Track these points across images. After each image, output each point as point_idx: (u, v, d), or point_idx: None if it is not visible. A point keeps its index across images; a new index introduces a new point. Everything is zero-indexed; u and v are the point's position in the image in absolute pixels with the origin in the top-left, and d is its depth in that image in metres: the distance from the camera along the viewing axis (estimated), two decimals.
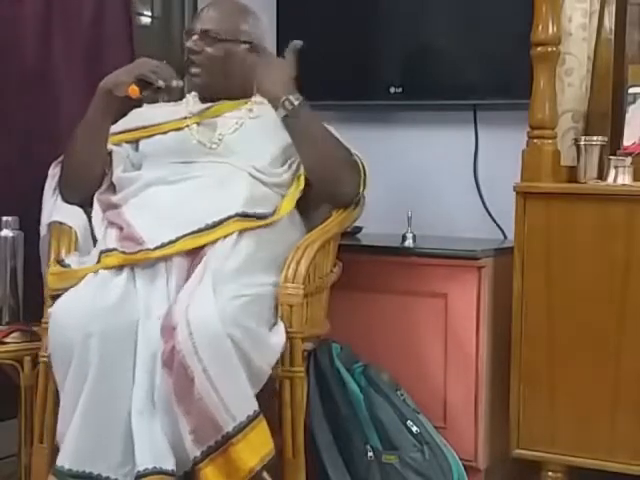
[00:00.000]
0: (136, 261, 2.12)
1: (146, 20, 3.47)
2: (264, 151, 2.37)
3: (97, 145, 2.35)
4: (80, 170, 2.35)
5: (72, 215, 2.34)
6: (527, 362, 2.41)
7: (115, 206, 2.30)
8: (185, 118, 2.43)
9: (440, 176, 3.05)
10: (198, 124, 2.43)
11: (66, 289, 2.11)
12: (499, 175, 2.75)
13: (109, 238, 2.20)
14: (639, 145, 2.47)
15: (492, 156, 2.97)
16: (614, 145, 2.53)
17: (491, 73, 2.89)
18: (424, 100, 3.00)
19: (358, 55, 3.07)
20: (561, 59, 2.51)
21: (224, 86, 2.45)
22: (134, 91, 2.25)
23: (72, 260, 2.21)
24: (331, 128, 2.42)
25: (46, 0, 2.70)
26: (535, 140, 2.45)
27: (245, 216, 2.20)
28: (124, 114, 2.46)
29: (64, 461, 1.98)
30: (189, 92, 2.52)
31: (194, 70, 2.43)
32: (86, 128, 2.33)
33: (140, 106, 2.51)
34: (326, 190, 2.37)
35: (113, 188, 2.38)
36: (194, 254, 2.15)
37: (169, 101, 2.51)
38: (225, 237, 2.16)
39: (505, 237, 2.89)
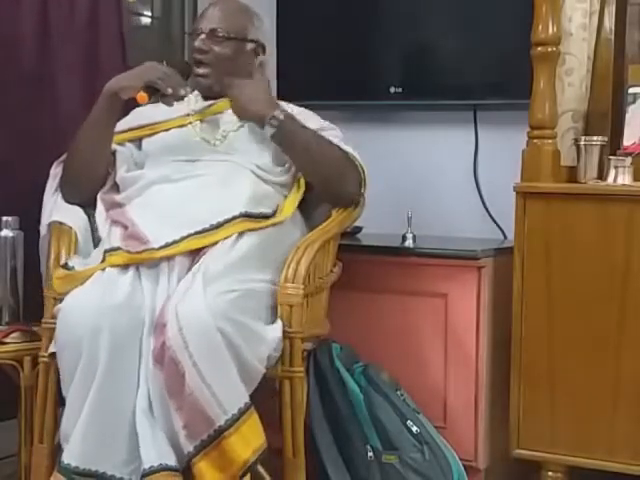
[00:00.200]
0: (140, 260, 2.12)
1: (146, 20, 3.48)
2: (266, 148, 2.37)
3: (101, 145, 2.35)
4: (83, 170, 2.35)
5: (72, 215, 2.34)
6: (527, 362, 2.41)
7: (119, 205, 2.30)
8: (188, 115, 2.43)
9: (440, 176, 3.05)
10: (201, 121, 2.43)
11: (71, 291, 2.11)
12: (499, 175, 2.75)
13: (113, 237, 2.21)
14: (639, 145, 2.47)
15: (492, 156, 2.97)
16: (614, 145, 2.53)
17: (491, 73, 2.89)
18: (424, 100, 3.00)
19: (358, 55, 3.07)
20: (561, 59, 2.50)
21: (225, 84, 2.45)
22: (142, 98, 2.25)
23: (75, 262, 2.20)
24: (336, 132, 2.43)
25: (43, 0, 2.70)
26: (535, 140, 2.45)
27: (249, 216, 2.20)
28: (125, 113, 2.45)
29: (70, 459, 1.98)
30: (192, 91, 2.51)
31: (202, 71, 2.43)
32: (90, 128, 2.32)
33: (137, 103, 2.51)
34: (328, 192, 2.39)
35: (117, 188, 2.38)
36: (196, 253, 2.15)
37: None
38: (226, 239, 2.16)
39: (505, 237, 2.90)
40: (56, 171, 2.42)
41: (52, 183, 2.41)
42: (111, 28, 2.89)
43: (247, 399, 1.99)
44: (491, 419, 2.56)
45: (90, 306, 2.02)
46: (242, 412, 1.97)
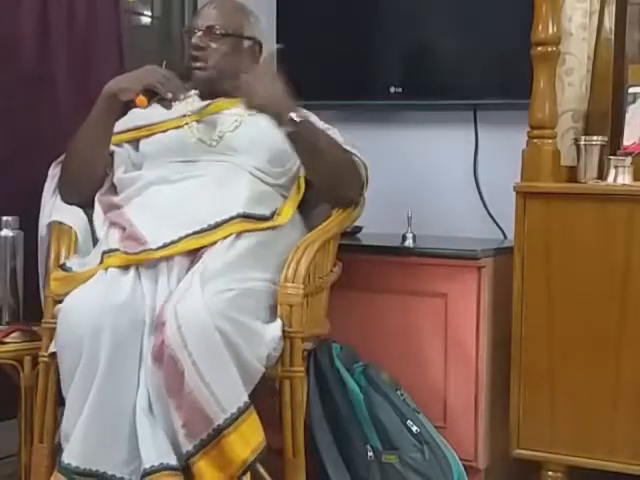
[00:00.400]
0: (138, 261, 2.12)
1: (146, 20, 3.48)
2: (264, 149, 2.37)
3: (100, 146, 2.35)
4: (81, 170, 2.35)
5: (72, 215, 2.34)
6: (527, 362, 2.41)
7: (117, 206, 2.30)
8: (184, 116, 2.43)
9: (440, 176, 3.05)
10: (198, 122, 2.43)
11: (69, 293, 2.11)
12: (499, 175, 2.74)
13: (111, 238, 2.20)
14: (639, 145, 2.47)
15: (492, 156, 2.97)
16: (614, 145, 2.53)
17: (491, 73, 2.89)
18: (424, 100, 3.01)
19: (358, 55, 3.07)
20: (561, 59, 2.50)
21: (226, 82, 2.45)
22: (142, 101, 2.25)
23: (73, 263, 2.21)
24: (334, 131, 2.43)
25: (43, 1, 2.70)
26: (535, 140, 2.45)
27: (246, 217, 2.20)
28: (122, 114, 2.45)
29: (70, 459, 1.98)
30: (189, 90, 2.51)
31: (200, 64, 2.43)
32: (89, 129, 2.32)
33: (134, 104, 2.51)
34: (331, 194, 2.39)
35: (114, 189, 2.38)
36: (195, 253, 2.15)
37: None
38: (224, 239, 2.16)
39: (505, 237, 2.90)
40: (55, 171, 2.42)
41: (51, 183, 2.41)
42: (108, 29, 2.88)
43: (246, 398, 1.99)
44: (491, 419, 2.56)
45: (91, 306, 2.02)
46: (241, 411, 1.97)
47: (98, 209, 2.33)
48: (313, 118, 2.48)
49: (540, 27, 2.41)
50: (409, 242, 2.66)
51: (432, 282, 2.57)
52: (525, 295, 2.41)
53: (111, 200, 2.33)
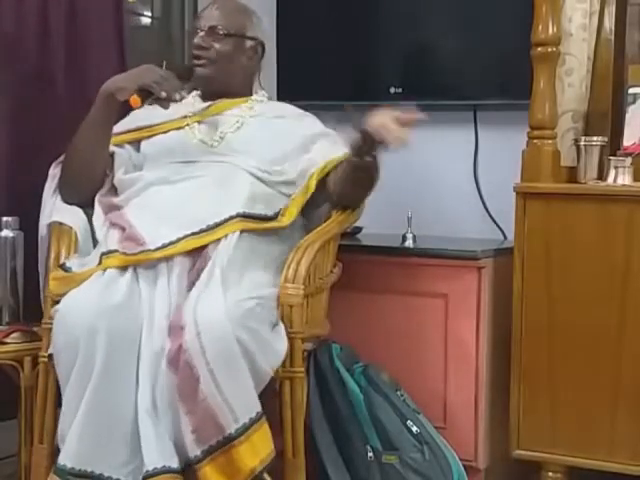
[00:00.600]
0: (137, 262, 2.12)
1: (146, 20, 3.48)
2: (265, 150, 2.37)
3: (99, 146, 2.35)
4: (81, 171, 2.35)
5: (72, 215, 2.34)
6: (527, 362, 2.41)
7: (117, 207, 2.30)
8: (186, 117, 2.43)
9: (440, 176, 3.05)
10: (199, 123, 2.43)
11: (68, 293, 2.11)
12: (499, 175, 2.75)
13: (111, 239, 2.20)
14: (639, 145, 2.47)
15: (492, 156, 2.96)
16: (614, 145, 2.53)
17: (491, 73, 2.89)
18: (424, 100, 2.99)
19: (358, 55, 3.07)
20: (561, 59, 2.50)
21: (228, 82, 2.46)
22: (135, 101, 2.24)
23: (73, 263, 2.21)
24: (334, 133, 2.43)
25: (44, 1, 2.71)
26: (535, 140, 2.45)
27: (246, 216, 2.20)
28: (124, 114, 2.45)
29: (66, 460, 1.98)
30: (191, 92, 2.51)
31: (202, 61, 2.43)
32: (88, 129, 2.32)
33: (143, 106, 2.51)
34: (343, 203, 2.40)
35: (114, 190, 2.38)
36: (196, 254, 2.15)
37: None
38: (227, 237, 2.16)
39: (505, 237, 2.89)
40: (55, 171, 2.42)
41: (51, 184, 2.41)
42: (109, 29, 2.88)
43: (259, 408, 1.99)
44: (491, 419, 2.56)
45: (87, 307, 2.01)
46: (253, 421, 1.97)
47: (98, 210, 2.33)
48: (318, 123, 2.48)
49: (540, 27, 2.41)
50: (409, 242, 2.66)
51: (432, 282, 2.57)
52: (525, 295, 2.41)
53: (111, 201, 2.33)
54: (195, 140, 2.40)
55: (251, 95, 2.52)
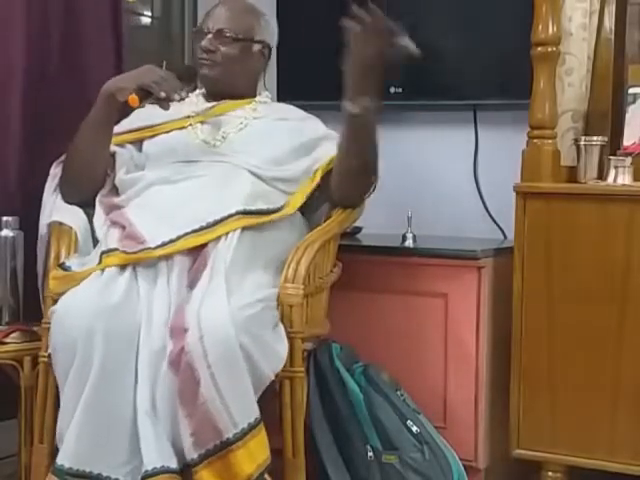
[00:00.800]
0: (137, 260, 2.12)
1: (146, 20, 3.48)
2: (267, 152, 2.37)
3: (99, 146, 2.34)
4: (82, 170, 2.35)
5: (72, 215, 2.34)
6: (527, 362, 2.41)
7: (118, 207, 2.30)
8: (189, 117, 2.43)
9: (440, 176, 3.05)
10: (202, 123, 2.43)
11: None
12: (499, 175, 2.75)
13: (111, 238, 2.20)
14: (639, 145, 2.47)
15: (492, 156, 2.97)
16: (614, 145, 2.53)
17: (491, 73, 2.89)
18: (424, 100, 3.00)
19: None
20: (561, 59, 2.50)
21: (233, 84, 2.45)
22: (134, 100, 2.24)
23: (73, 262, 2.20)
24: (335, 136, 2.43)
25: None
26: (535, 140, 2.45)
27: (246, 213, 2.20)
28: (126, 114, 2.45)
29: (64, 460, 1.98)
30: (192, 92, 2.51)
31: (208, 62, 2.42)
32: (88, 129, 2.32)
33: (143, 106, 2.51)
34: (345, 190, 2.36)
35: (116, 190, 2.38)
36: (196, 253, 2.15)
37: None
38: (227, 235, 2.16)
39: (505, 237, 2.89)
40: (55, 171, 2.42)
41: (51, 183, 2.41)
42: (107, 28, 2.88)
43: (258, 414, 1.98)
44: (491, 419, 2.56)
45: (85, 307, 2.01)
46: (252, 427, 1.97)
47: (99, 210, 2.33)
48: (321, 126, 2.47)
49: (540, 27, 2.41)
50: (409, 242, 2.66)
51: (432, 282, 2.56)
52: (525, 295, 2.41)
53: (112, 201, 2.33)
54: (197, 140, 2.40)
55: (255, 96, 2.52)
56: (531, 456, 2.44)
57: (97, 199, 2.35)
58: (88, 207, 2.36)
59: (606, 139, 2.51)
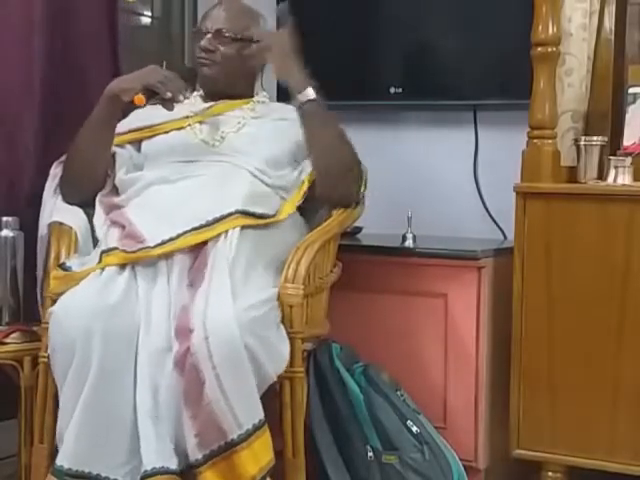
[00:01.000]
0: (137, 259, 2.11)
1: (146, 20, 3.48)
2: (266, 152, 2.37)
3: (101, 147, 2.35)
4: (82, 170, 2.35)
5: (72, 215, 2.34)
6: (527, 362, 2.41)
7: (117, 207, 2.30)
8: (187, 117, 2.43)
9: (440, 176, 3.05)
10: (201, 123, 2.43)
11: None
12: (499, 175, 2.75)
13: (110, 238, 2.20)
14: (639, 145, 2.47)
15: (492, 156, 2.96)
16: (614, 145, 2.53)
17: (491, 73, 2.89)
18: (424, 100, 3.00)
19: (358, 55, 3.07)
20: (561, 59, 2.50)
21: (232, 84, 2.46)
22: (140, 100, 2.25)
23: (73, 262, 2.20)
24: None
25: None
26: (535, 140, 2.45)
27: (245, 214, 2.20)
28: (125, 115, 2.45)
29: (63, 460, 1.98)
30: (193, 92, 2.51)
31: (208, 62, 2.43)
32: (91, 129, 2.32)
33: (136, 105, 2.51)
34: (329, 187, 2.36)
35: (116, 190, 2.38)
36: (196, 251, 2.15)
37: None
38: (227, 233, 2.15)
39: (505, 237, 2.89)
40: (56, 171, 2.42)
41: (51, 183, 2.41)
42: (104, 28, 2.88)
43: (262, 415, 1.98)
44: (491, 419, 2.56)
45: (83, 308, 2.01)
46: (256, 428, 1.97)
47: (99, 210, 2.33)
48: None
49: (540, 27, 2.41)
50: (409, 242, 2.66)
51: (432, 282, 2.57)
52: (525, 295, 2.41)
53: (112, 201, 2.33)
54: (196, 140, 2.40)
55: (253, 96, 2.52)
56: (531, 456, 2.44)
57: (97, 199, 2.35)
58: (88, 207, 2.36)
59: (606, 139, 2.51)
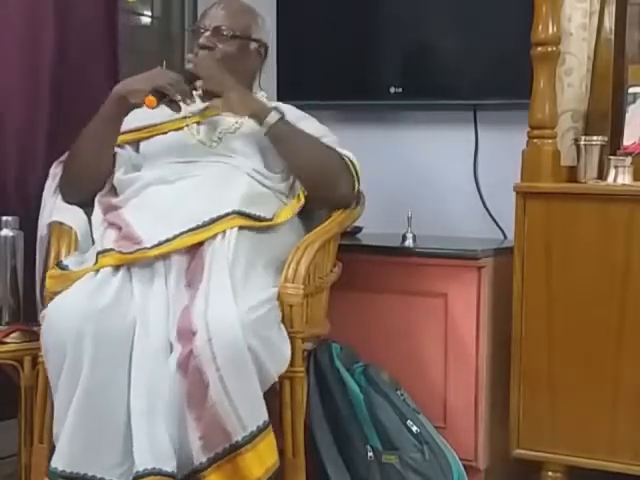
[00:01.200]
0: (133, 261, 2.11)
1: (146, 20, 3.48)
2: (263, 152, 2.37)
3: (104, 147, 2.34)
4: (84, 170, 2.34)
5: (72, 215, 2.34)
6: (527, 362, 2.41)
7: (115, 208, 2.29)
8: (185, 118, 2.43)
9: (440, 176, 3.05)
10: (198, 123, 2.43)
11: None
12: (499, 175, 2.75)
13: (107, 239, 2.20)
14: (639, 145, 2.47)
15: (492, 156, 2.97)
16: (614, 145, 2.53)
17: (491, 73, 2.89)
18: (424, 100, 3.00)
19: (358, 55, 3.07)
20: (561, 59, 2.50)
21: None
22: (151, 102, 2.24)
23: (71, 261, 2.20)
24: (332, 139, 2.43)
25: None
26: (535, 140, 2.45)
27: (242, 214, 2.20)
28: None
29: (57, 462, 1.97)
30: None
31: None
32: (95, 129, 2.32)
33: (140, 106, 2.51)
34: (322, 197, 2.39)
35: (114, 190, 2.38)
36: (193, 252, 2.14)
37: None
38: (224, 233, 2.15)
39: (505, 237, 2.89)
40: (56, 170, 2.42)
41: (51, 183, 2.41)
42: (103, 28, 2.88)
43: (266, 417, 1.98)
44: (491, 419, 2.56)
45: (75, 310, 2.00)
46: (261, 430, 1.96)
47: (97, 210, 2.33)
48: (314, 126, 2.47)
49: (540, 27, 2.41)
50: (409, 242, 2.66)
51: (432, 282, 2.56)
52: (525, 295, 2.41)
53: (110, 201, 2.33)
54: (194, 140, 2.40)
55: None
56: (531, 456, 2.44)
57: (96, 199, 2.35)
58: (88, 207, 2.36)
59: (606, 139, 2.51)
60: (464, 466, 2.38)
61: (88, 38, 2.82)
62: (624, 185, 2.36)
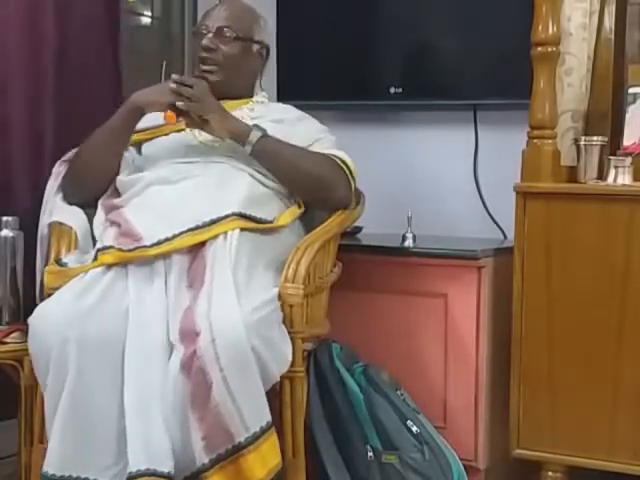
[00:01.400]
0: (133, 258, 2.11)
1: (146, 20, 3.48)
2: None
3: (112, 154, 2.35)
4: (88, 172, 2.34)
5: (73, 215, 2.34)
6: (527, 362, 2.41)
7: (117, 207, 2.30)
8: None
9: (440, 176, 3.05)
10: None
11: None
12: (499, 175, 2.75)
13: (107, 237, 2.20)
14: (639, 145, 2.47)
15: (492, 156, 2.97)
16: (614, 145, 2.53)
17: (491, 73, 2.88)
18: (424, 100, 3.00)
19: (358, 55, 3.07)
20: (561, 59, 2.50)
21: (232, 85, 2.45)
22: (171, 118, 2.28)
23: (70, 259, 2.20)
24: (329, 139, 2.43)
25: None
26: (535, 140, 2.45)
27: (242, 216, 2.20)
28: None
29: (48, 467, 1.96)
30: None
31: (209, 67, 2.42)
32: (106, 134, 2.33)
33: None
34: (319, 202, 2.41)
35: (117, 192, 2.38)
36: (194, 252, 2.15)
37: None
38: (226, 234, 2.15)
39: (505, 237, 2.89)
40: (59, 169, 2.42)
41: (54, 182, 2.41)
42: (104, 28, 2.88)
43: (269, 418, 1.98)
44: (491, 419, 2.56)
45: (59, 314, 2.00)
46: (264, 431, 1.96)
47: (100, 212, 2.32)
48: (314, 127, 2.47)
49: (540, 27, 2.41)
50: (409, 242, 2.66)
51: (432, 282, 2.57)
52: (525, 295, 2.41)
53: (112, 202, 2.33)
54: (196, 141, 2.40)
55: (252, 97, 2.52)
56: (531, 456, 2.44)
57: (99, 202, 2.35)
58: (88, 208, 2.36)
59: (606, 139, 2.51)
60: (464, 466, 2.38)
61: (90, 38, 2.83)
62: (624, 185, 2.36)
